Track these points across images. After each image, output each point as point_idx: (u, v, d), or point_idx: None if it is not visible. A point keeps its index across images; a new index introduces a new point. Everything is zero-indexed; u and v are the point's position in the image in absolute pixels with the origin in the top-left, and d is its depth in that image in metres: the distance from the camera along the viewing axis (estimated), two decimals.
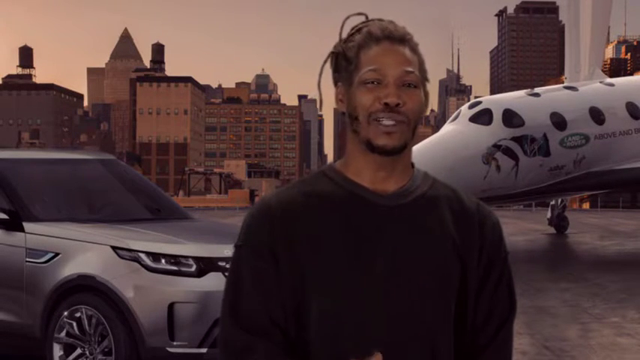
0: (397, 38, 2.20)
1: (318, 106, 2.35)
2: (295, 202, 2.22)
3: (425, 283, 2.19)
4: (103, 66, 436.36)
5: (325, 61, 2.27)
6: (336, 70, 2.25)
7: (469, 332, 2.26)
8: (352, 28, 2.26)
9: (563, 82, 30.31)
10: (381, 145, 2.17)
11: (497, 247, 2.30)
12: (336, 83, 2.25)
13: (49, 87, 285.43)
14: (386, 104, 2.16)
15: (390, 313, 2.16)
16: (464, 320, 2.25)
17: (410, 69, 2.19)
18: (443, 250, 2.22)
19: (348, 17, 2.28)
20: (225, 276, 8.00)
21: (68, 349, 8.16)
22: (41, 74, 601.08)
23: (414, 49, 2.22)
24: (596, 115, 25.60)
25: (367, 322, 2.16)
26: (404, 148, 2.20)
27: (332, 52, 2.26)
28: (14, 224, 8.64)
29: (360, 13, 2.28)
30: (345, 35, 2.26)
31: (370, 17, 2.28)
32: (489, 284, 2.27)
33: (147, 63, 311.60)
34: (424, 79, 2.24)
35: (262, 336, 2.15)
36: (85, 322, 8.09)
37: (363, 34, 2.21)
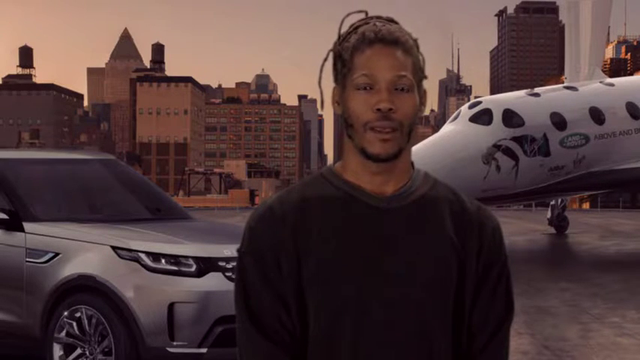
0: (390, 40, 2.19)
1: (318, 105, 2.34)
2: (296, 205, 2.22)
3: (424, 285, 2.19)
4: (103, 66, 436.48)
5: (325, 59, 2.27)
6: (334, 69, 2.26)
7: (466, 334, 2.26)
8: (350, 26, 2.26)
9: (563, 82, 30.30)
10: (376, 154, 2.18)
11: (497, 251, 2.29)
12: (336, 81, 2.25)
13: (49, 87, 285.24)
14: (379, 110, 2.16)
15: (388, 314, 2.17)
16: (461, 322, 2.25)
17: (402, 73, 2.18)
18: (442, 252, 2.21)
19: (347, 15, 2.28)
20: (225, 276, 8.01)
21: (68, 349, 8.16)
22: (41, 74, 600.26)
23: (409, 50, 2.20)
24: (596, 115, 25.59)
25: (365, 322, 2.16)
26: (399, 154, 2.20)
27: (330, 50, 2.26)
28: (14, 224, 8.64)
29: (360, 11, 2.27)
30: (344, 33, 2.25)
31: (370, 15, 2.27)
32: (487, 287, 2.27)
33: (147, 63, 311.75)
34: (420, 79, 2.23)
35: (280, 343, 2.17)
36: (85, 322, 8.09)
37: (357, 36, 2.21)
